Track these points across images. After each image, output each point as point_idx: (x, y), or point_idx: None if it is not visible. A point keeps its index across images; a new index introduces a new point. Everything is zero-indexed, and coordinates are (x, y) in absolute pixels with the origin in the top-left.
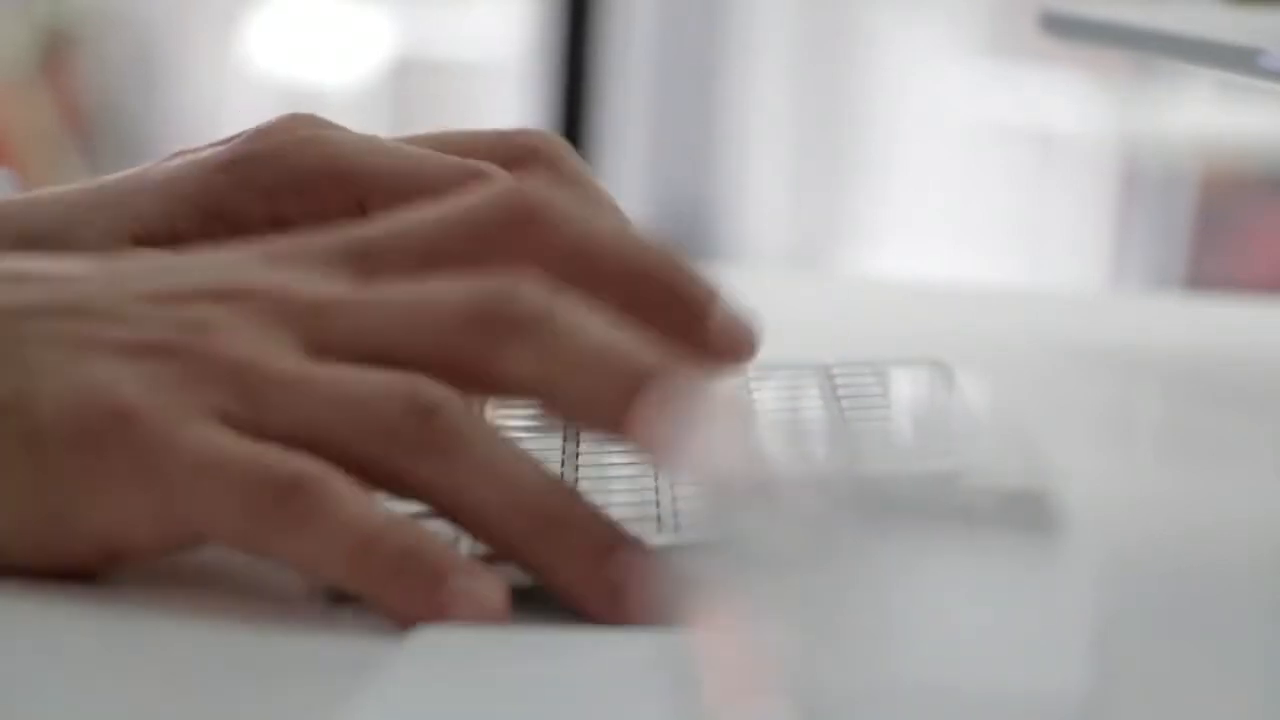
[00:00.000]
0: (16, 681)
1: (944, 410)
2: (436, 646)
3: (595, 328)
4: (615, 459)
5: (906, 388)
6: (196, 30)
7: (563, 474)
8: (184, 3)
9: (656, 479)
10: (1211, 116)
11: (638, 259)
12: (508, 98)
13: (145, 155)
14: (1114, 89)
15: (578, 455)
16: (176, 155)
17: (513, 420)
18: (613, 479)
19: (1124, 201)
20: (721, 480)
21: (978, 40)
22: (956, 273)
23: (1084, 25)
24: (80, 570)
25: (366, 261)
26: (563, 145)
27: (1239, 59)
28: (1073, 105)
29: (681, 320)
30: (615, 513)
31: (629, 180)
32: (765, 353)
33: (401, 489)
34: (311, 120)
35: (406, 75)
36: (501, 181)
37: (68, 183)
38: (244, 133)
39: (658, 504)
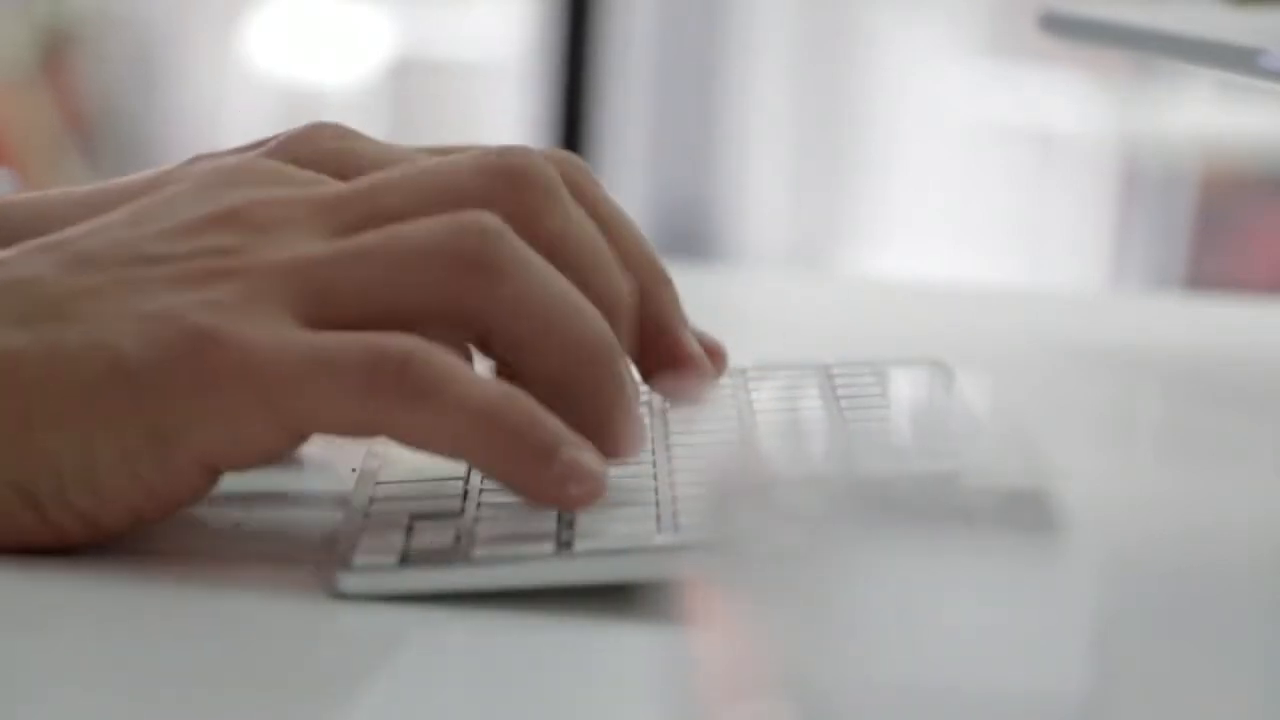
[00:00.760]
0: (17, 681)
1: (944, 410)
2: (436, 647)
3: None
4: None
5: (906, 388)
6: (196, 30)
7: None
8: (184, 3)
9: (656, 479)
10: (1211, 116)
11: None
12: (508, 98)
13: (145, 155)
14: (1114, 89)
15: None
16: (195, 160)
17: None
18: (612, 478)
19: (1124, 201)
20: (721, 480)
21: (978, 40)
22: (957, 273)
23: (1084, 25)
24: (184, 494)
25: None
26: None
27: (1239, 59)
28: (1073, 105)
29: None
30: (615, 512)
31: (629, 180)
32: (765, 353)
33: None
34: (336, 130)
35: (406, 75)
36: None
37: (67, 183)
38: (268, 140)
39: (658, 504)
